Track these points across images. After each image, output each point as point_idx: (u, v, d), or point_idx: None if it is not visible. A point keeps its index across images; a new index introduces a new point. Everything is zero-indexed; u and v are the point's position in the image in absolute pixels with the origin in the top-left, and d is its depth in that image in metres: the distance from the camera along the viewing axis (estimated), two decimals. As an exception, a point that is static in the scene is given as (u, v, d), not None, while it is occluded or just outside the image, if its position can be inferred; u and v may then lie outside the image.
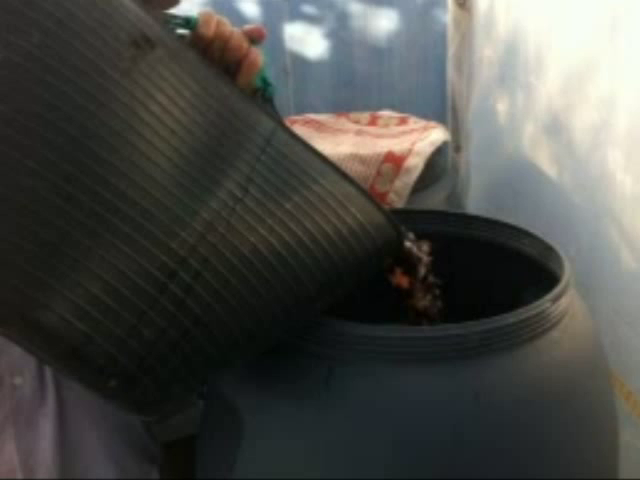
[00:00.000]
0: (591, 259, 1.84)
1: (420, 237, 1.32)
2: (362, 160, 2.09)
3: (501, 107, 2.40)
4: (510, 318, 1.13)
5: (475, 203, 2.70)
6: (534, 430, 1.12)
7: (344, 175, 1.11)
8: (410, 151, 2.13)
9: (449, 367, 1.11)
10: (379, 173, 2.08)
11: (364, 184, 2.05)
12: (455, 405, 1.09)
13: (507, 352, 1.13)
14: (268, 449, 1.16)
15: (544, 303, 1.18)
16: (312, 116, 2.65)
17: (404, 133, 2.38)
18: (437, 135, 2.28)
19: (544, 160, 2.10)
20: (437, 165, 2.23)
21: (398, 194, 2.08)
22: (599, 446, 1.24)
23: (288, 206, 1.03)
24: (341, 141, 2.33)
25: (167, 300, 0.93)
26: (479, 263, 1.54)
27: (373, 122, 2.58)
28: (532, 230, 1.48)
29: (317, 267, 1.06)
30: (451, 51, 2.79)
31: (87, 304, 0.89)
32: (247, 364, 1.19)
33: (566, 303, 1.23)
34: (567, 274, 1.28)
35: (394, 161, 2.09)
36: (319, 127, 2.53)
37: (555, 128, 2.02)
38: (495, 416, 1.10)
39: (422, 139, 2.23)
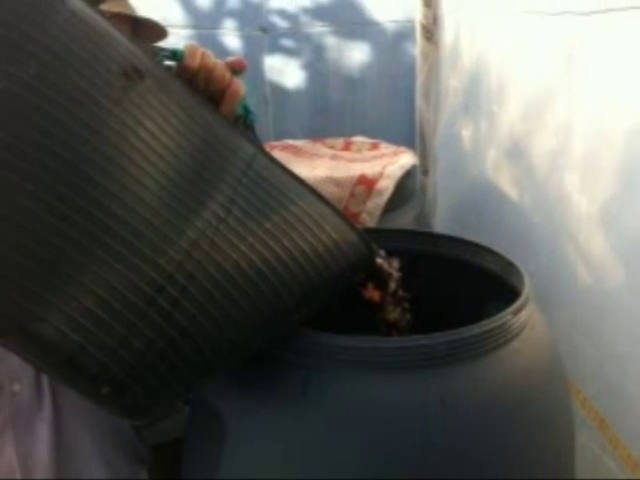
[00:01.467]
0: (549, 275, 1.86)
1: (390, 254, 1.32)
2: (336, 182, 2.10)
3: (465, 133, 2.42)
4: (474, 329, 1.14)
5: (441, 222, 2.71)
6: (496, 433, 1.13)
7: (320, 196, 1.12)
8: (381, 174, 2.14)
9: (417, 375, 1.11)
10: (352, 195, 2.09)
11: (338, 205, 2.05)
12: (423, 410, 1.10)
13: (471, 361, 1.13)
14: (250, 451, 1.16)
15: (506, 315, 1.19)
16: (290, 142, 2.66)
17: (375, 157, 2.39)
18: (406, 159, 2.29)
19: (505, 182, 2.12)
20: (406, 187, 2.24)
21: (370, 214, 2.09)
22: (557, 448, 1.25)
23: (268, 225, 1.04)
24: (317, 165, 2.34)
25: (155, 313, 0.94)
26: (445, 278, 1.55)
27: (347, 147, 2.60)
28: (494, 248, 1.49)
29: (295, 282, 1.06)
30: (419, 81, 2.81)
31: (81, 317, 0.89)
32: (230, 372, 1.18)
33: (526, 315, 1.23)
34: (527, 289, 1.29)
35: (366, 183, 2.10)
36: (297, 152, 2.54)
37: (516, 153, 2.04)
38: (460, 420, 1.10)
39: (392, 163, 2.24)
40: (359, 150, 2.56)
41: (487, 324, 1.16)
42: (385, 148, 2.51)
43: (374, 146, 2.56)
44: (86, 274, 0.90)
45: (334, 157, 2.47)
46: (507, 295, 1.32)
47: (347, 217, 1.15)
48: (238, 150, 1.05)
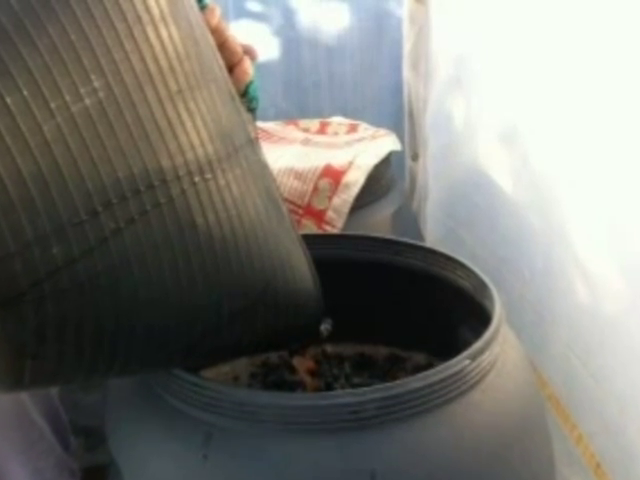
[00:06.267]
0: (544, 283, 1.68)
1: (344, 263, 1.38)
2: (298, 175, 1.94)
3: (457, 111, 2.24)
4: (415, 383, 0.98)
5: (433, 215, 2.53)
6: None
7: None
8: (350, 164, 1.97)
9: (341, 440, 0.97)
10: (316, 189, 1.93)
11: (301, 201, 1.93)
12: (348, 485, 0.95)
13: (411, 421, 0.98)
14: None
15: (461, 362, 1.03)
16: (260, 124, 2.48)
17: (350, 143, 2.23)
18: (383, 146, 2.12)
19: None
20: (382, 179, 2.06)
21: (337, 212, 1.93)
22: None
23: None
24: (283, 153, 2.17)
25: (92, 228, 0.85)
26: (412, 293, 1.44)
27: (322, 130, 2.43)
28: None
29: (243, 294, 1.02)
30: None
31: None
32: (131, 421, 1.12)
33: (492, 356, 1.08)
34: (497, 319, 1.14)
35: (332, 176, 1.94)
36: (268, 137, 2.37)
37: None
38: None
39: (365, 150, 2.08)
40: (335, 133, 2.40)
41: (433, 375, 1.00)
42: (364, 130, 2.34)
43: (352, 128, 2.39)
44: None
45: (306, 142, 2.31)
46: (481, 316, 1.21)
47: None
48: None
